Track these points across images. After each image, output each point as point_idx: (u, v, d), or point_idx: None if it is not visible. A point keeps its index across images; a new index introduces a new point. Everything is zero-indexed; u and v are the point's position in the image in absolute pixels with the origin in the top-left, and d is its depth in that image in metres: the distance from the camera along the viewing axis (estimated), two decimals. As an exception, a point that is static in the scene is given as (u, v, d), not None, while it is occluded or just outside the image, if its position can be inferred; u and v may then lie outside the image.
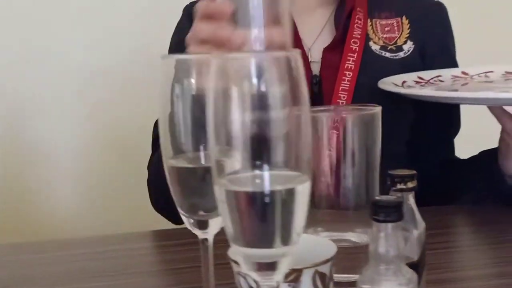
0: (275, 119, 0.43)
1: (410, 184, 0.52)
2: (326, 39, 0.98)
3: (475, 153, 0.97)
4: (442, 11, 1.04)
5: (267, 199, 0.43)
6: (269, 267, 0.45)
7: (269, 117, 0.43)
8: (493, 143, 0.92)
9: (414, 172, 0.53)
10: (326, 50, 0.96)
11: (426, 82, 0.96)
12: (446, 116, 1.03)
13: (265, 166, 0.43)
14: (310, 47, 0.98)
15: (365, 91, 0.91)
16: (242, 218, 0.45)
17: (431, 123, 1.02)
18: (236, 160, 0.44)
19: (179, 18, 1.07)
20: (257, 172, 0.43)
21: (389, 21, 1.00)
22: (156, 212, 0.98)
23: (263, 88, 0.43)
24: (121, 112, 1.54)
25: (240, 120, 0.43)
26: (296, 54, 0.43)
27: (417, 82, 0.95)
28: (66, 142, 1.55)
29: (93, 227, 1.48)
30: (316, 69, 0.96)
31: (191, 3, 1.07)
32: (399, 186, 0.52)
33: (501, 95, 0.81)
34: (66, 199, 1.55)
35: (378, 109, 0.59)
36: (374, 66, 0.96)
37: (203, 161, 0.54)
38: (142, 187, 0.99)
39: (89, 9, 1.51)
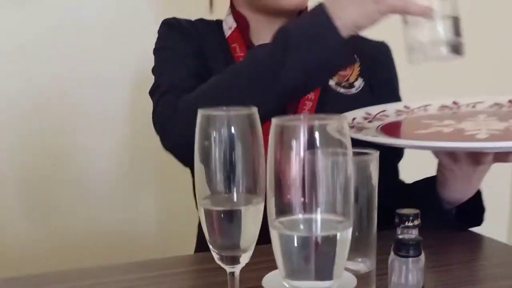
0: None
1: (416, 222, 0.61)
2: None
3: (419, 176, 1.10)
4: (387, 50, 1.17)
5: (317, 242, 0.51)
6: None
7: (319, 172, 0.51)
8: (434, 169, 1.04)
9: (418, 211, 0.62)
10: None
11: (373, 118, 1.06)
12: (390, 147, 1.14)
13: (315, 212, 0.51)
14: None
15: None
16: (294, 258, 0.52)
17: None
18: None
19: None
20: (307, 216, 0.51)
21: None
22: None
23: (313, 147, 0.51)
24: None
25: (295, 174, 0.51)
26: (343, 121, 0.51)
27: (365, 118, 1.04)
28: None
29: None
30: None
31: (168, 18, 1.15)
32: (407, 224, 0.61)
33: (444, 144, 0.85)
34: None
35: (376, 154, 0.68)
36: (330, 100, 1.06)
37: (236, 204, 0.60)
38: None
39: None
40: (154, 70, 1.11)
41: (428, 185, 1.03)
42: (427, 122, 1.00)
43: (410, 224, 0.61)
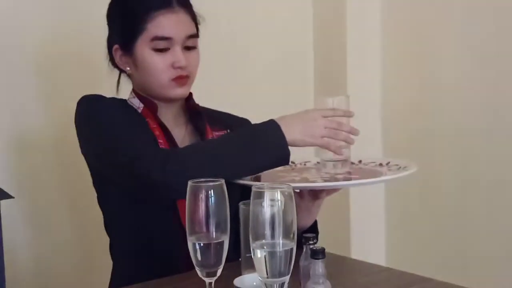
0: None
1: (315, 241, 1.05)
2: (188, 142, 1.46)
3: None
4: (249, 124, 1.57)
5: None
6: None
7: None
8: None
9: (314, 234, 1.06)
10: None
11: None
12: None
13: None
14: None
15: None
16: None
17: None
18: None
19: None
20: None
21: (220, 133, 1.50)
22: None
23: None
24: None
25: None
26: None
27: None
28: None
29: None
30: None
31: (87, 94, 1.42)
32: (311, 242, 1.04)
33: (305, 185, 1.33)
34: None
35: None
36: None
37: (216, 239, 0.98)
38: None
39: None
40: (100, 131, 1.35)
41: None
42: (281, 174, 1.44)
43: (312, 242, 1.04)
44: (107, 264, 1.52)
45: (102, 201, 1.49)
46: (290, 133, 1.28)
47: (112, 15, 1.46)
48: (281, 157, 1.30)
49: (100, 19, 1.49)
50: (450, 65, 2.12)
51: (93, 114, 1.40)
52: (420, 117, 2.23)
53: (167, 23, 1.39)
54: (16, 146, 1.78)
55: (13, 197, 1.13)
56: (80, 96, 1.43)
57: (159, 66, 1.39)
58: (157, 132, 1.42)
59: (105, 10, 1.48)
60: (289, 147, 1.29)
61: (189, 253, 1.31)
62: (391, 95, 2.31)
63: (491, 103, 2.00)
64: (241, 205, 1.17)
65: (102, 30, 1.49)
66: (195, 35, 1.44)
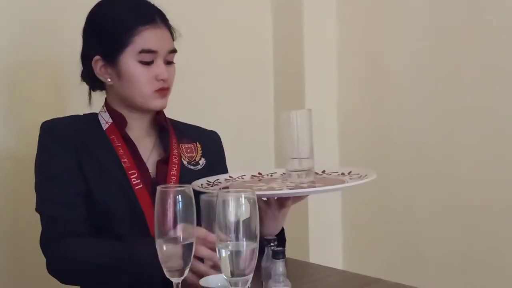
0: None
1: (276, 243, 1.12)
2: (155, 155, 1.52)
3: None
4: (218, 138, 1.65)
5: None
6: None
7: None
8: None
9: (275, 237, 1.13)
10: (159, 162, 1.50)
11: (212, 183, 1.55)
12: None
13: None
14: (147, 161, 1.50)
15: None
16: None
17: None
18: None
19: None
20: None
21: (189, 145, 1.57)
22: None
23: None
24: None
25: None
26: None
27: (208, 184, 1.54)
28: None
29: None
30: (153, 174, 1.49)
31: (46, 121, 1.48)
32: (272, 244, 1.12)
33: (272, 192, 1.40)
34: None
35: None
36: (185, 174, 1.50)
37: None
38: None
39: None
40: (37, 178, 1.44)
41: None
42: (249, 184, 1.52)
43: (273, 244, 1.12)
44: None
45: None
46: None
47: (93, 28, 1.49)
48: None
49: (71, 31, 1.52)
50: (403, 79, 2.22)
51: (37, 153, 1.47)
52: (374, 129, 2.32)
53: (153, 37, 1.45)
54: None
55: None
56: (45, 110, 1.50)
57: (143, 78, 1.45)
58: (121, 151, 1.46)
59: (75, 22, 1.51)
60: None
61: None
62: (347, 108, 2.41)
63: (443, 116, 2.10)
64: (203, 196, 1.24)
65: (72, 42, 1.52)
66: (175, 50, 1.51)
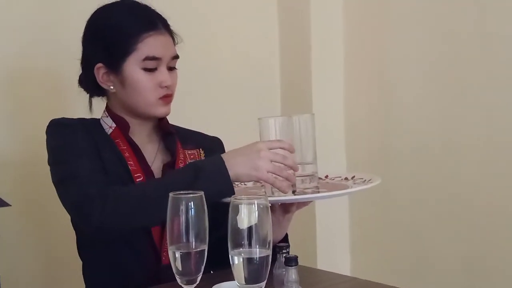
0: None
1: (288, 250, 1.12)
2: (159, 160, 1.52)
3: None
4: (221, 143, 1.64)
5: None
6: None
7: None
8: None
9: (288, 244, 1.12)
10: (165, 166, 1.49)
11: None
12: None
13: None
14: (151, 165, 1.49)
15: None
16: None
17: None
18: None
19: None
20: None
21: (193, 151, 1.56)
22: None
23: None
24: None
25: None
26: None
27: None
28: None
29: None
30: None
31: (54, 118, 1.47)
32: (284, 251, 1.11)
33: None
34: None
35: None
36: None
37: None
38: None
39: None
40: (57, 162, 1.41)
41: None
42: (253, 191, 1.49)
43: (285, 251, 1.11)
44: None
45: (75, 223, 1.50)
46: (234, 166, 1.30)
47: (95, 35, 1.48)
48: (223, 192, 1.28)
49: (71, 38, 1.52)
50: (410, 84, 2.22)
51: (52, 143, 1.44)
52: (381, 134, 2.32)
53: (157, 44, 1.44)
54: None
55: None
56: (45, 114, 1.46)
57: (148, 85, 1.44)
58: (126, 154, 1.46)
59: (76, 29, 1.51)
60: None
61: (162, 277, 1.38)
62: (354, 113, 2.40)
63: (448, 122, 2.10)
64: None
65: (73, 49, 1.52)
66: (177, 56, 1.50)
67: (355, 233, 2.42)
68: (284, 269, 1.08)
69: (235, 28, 2.32)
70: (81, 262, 1.54)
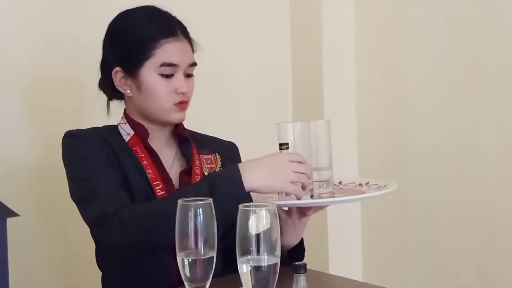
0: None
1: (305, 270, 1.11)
2: (177, 166, 1.52)
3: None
4: (236, 148, 1.64)
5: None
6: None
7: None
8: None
9: (305, 263, 1.11)
10: (182, 173, 1.49)
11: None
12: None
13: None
14: (169, 172, 1.50)
15: None
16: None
17: None
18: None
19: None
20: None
21: (209, 156, 1.57)
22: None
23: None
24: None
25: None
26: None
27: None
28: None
29: None
30: (176, 185, 1.48)
31: (69, 130, 1.48)
32: (301, 272, 1.10)
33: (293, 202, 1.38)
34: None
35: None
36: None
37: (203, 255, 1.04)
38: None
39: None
40: (76, 179, 1.41)
41: None
42: (268, 195, 1.50)
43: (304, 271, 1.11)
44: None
45: (95, 235, 1.51)
46: (255, 178, 1.29)
47: (114, 39, 1.49)
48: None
49: (89, 43, 1.53)
50: (422, 87, 2.21)
51: (69, 158, 1.45)
52: (394, 138, 2.31)
53: (174, 51, 1.45)
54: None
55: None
56: (64, 121, 1.48)
57: (164, 91, 1.45)
58: (145, 162, 1.46)
59: (93, 34, 1.52)
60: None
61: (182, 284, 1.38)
62: (366, 117, 2.40)
63: (463, 125, 2.09)
64: None
65: (90, 54, 1.54)
66: (195, 64, 1.50)
67: (367, 237, 2.41)
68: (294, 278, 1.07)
69: (247, 34, 2.33)
70: (98, 272, 1.54)
